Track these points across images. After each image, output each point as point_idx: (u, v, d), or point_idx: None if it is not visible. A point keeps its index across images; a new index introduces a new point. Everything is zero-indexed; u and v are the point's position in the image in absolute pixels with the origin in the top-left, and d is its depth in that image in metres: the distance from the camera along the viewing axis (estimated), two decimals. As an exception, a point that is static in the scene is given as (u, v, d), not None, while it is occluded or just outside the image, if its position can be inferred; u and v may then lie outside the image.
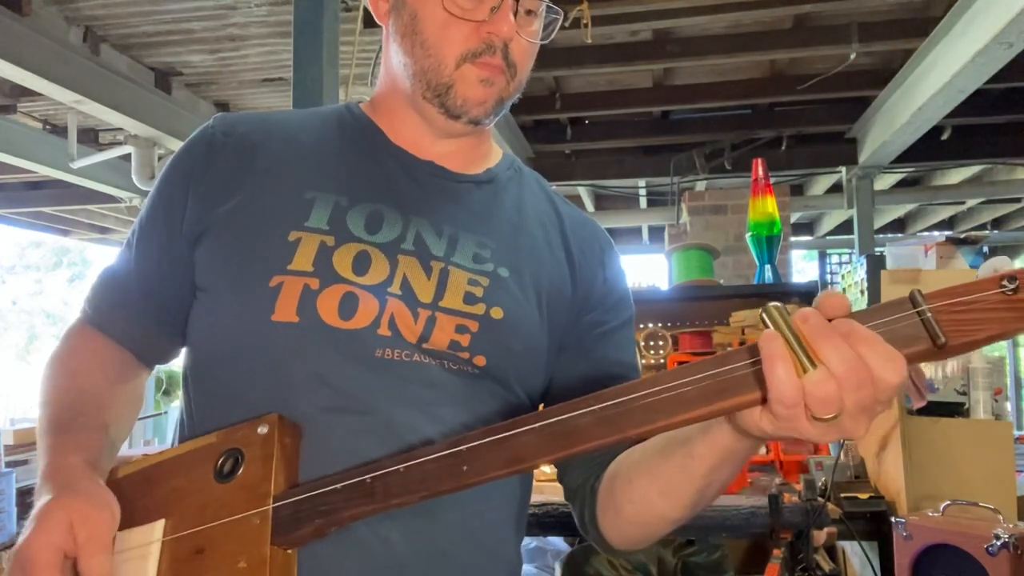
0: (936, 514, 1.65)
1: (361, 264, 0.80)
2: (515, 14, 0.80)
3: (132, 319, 0.89)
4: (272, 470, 0.71)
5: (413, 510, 0.70)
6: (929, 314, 0.56)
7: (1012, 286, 0.55)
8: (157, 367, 0.98)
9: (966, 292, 0.56)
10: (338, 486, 0.69)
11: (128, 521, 0.74)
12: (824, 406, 0.55)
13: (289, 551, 0.70)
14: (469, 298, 0.82)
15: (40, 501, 0.72)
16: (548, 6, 0.86)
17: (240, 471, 0.72)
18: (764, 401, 0.58)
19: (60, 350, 0.90)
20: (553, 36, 0.87)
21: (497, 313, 0.82)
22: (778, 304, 0.58)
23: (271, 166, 0.85)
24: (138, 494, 0.77)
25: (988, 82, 3.52)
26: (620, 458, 0.84)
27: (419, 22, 0.83)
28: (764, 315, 0.57)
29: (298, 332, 0.77)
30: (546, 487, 1.95)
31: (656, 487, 0.76)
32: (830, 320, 0.57)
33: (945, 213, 7.40)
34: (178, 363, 1.00)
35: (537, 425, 0.64)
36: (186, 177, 0.85)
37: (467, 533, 0.82)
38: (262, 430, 0.73)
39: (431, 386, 0.80)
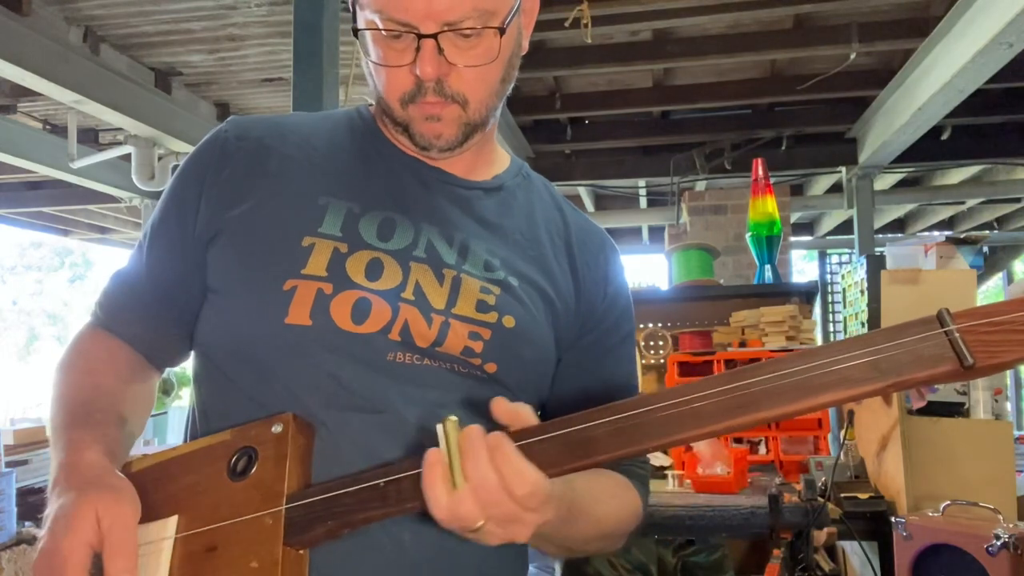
0: (936, 514, 1.65)
1: (374, 270, 0.80)
2: (441, 50, 0.77)
3: (144, 321, 0.89)
4: (286, 470, 0.71)
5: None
6: (957, 334, 0.55)
7: None
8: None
9: (995, 312, 0.55)
10: (351, 489, 0.69)
11: (141, 516, 0.74)
12: (463, 521, 0.63)
13: (301, 552, 0.71)
14: (482, 306, 0.82)
15: (63, 498, 0.71)
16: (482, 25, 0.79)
17: (254, 470, 0.73)
18: None
19: (71, 352, 0.89)
20: (499, 54, 0.80)
21: (509, 322, 0.83)
22: (454, 419, 0.63)
23: (284, 170, 0.85)
24: (151, 489, 0.76)
25: (988, 82, 3.52)
26: None
27: (370, 70, 0.84)
28: (438, 429, 0.63)
29: (311, 335, 0.78)
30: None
31: None
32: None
33: (945, 213, 7.40)
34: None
35: (557, 434, 0.64)
36: (199, 181, 0.86)
37: None
38: (276, 429, 0.73)
39: (442, 389, 0.80)
